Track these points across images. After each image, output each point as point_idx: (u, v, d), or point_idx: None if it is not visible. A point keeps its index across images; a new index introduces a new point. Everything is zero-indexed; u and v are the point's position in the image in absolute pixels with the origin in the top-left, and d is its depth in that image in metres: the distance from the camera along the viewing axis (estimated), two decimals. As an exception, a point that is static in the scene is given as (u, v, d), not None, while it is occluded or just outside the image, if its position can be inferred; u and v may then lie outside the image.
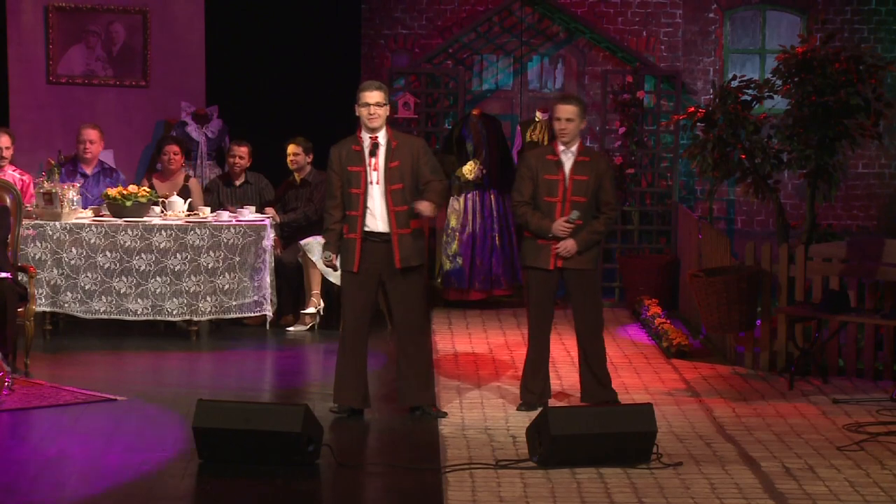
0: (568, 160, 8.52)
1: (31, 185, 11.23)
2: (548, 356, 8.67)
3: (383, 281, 8.41)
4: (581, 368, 8.68)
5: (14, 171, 11.41)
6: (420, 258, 8.45)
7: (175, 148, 11.91)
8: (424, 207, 8.23)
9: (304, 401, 8.40)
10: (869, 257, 9.59)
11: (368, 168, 8.27)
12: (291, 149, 11.75)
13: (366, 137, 8.32)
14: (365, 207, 8.27)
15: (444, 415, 8.41)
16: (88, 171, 11.72)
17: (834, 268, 9.77)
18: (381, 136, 8.32)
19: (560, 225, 8.41)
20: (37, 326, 10.01)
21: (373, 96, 8.26)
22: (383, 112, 8.29)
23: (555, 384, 9.00)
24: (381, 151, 8.30)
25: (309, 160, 11.79)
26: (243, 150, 11.86)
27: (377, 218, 8.29)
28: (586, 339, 8.61)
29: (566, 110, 8.52)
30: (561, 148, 8.55)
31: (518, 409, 8.53)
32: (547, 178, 8.51)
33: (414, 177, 8.32)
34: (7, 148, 11.30)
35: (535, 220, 8.49)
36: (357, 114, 8.35)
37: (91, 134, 11.69)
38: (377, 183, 8.27)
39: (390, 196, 8.26)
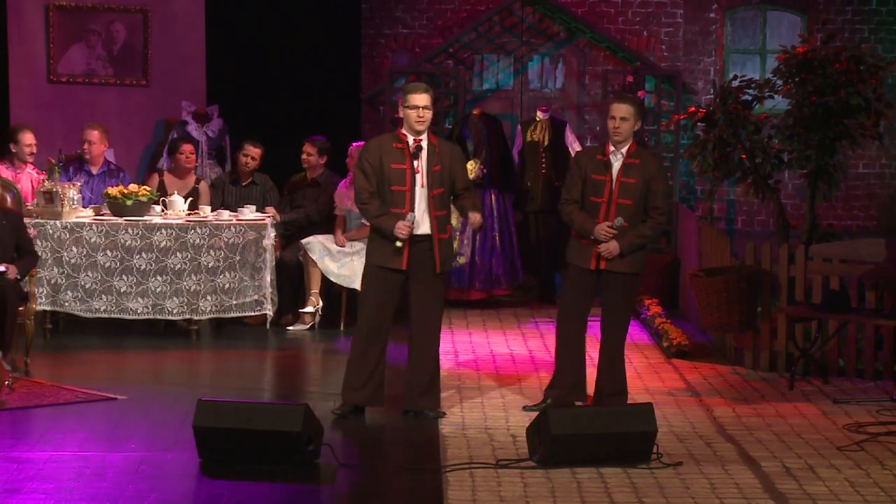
0: (617, 161, 8.36)
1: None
2: (580, 357, 8.53)
3: (408, 283, 8.37)
4: (599, 370, 8.57)
5: (33, 170, 11.45)
6: (451, 262, 8.49)
7: (191, 147, 11.94)
8: (476, 220, 8.27)
9: (305, 400, 8.40)
10: (869, 258, 9.58)
11: (413, 169, 8.25)
12: (307, 147, 11.77)
13: (410, 138, 8.29)
14: (413, 206, 8.21)
15: (443, 414, 8.40)
16: (94, 170, 11.73)
17: (834, 268, 9.77)
18: (424, 139, 8.30)
19: (602, 229, 8.27)
20: (37, 325, 10.01)
21: (422, 99, 8.21)
22: (429, 115, 8.25)
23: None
24: (424, 154, 8.27)
25: (322, 162, 11.80)
26: (256, 152, 11.85)
27: (419, 221, 8.23)
28: (611, 344, 8.50)
29: (622, 109, 8.33)
30: (611, 148, 8.38)
31: (524, 409, 8.49)
32: (595, 177, 8.36)
33: (451, 182, 8.32)
34: (30, 145, 11.34)
35: (580, 219, 8.36)
36: (401, 115, 8.31)
37: (90, 135, 11.70)
38: (421, 186, 8.24)
39: (433, 200, 8.23)
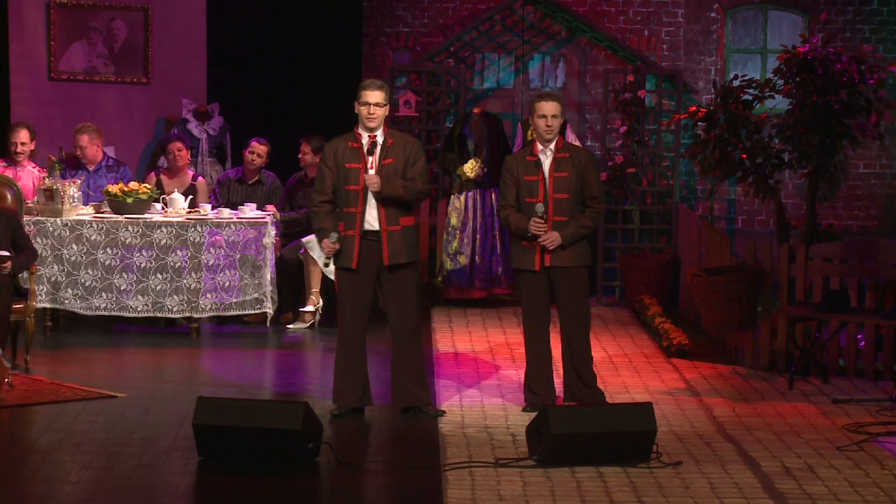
0: (547, 159, 8.41)
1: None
2: (549, 357, 8.61)
3: (379, 280, 8.40)
4: (565, 368, 8.58)
5: (34, 167, 11.47)
6: (411, 255, 8.40)
7: (179, 144, 11.94)
8: (370, 178, 8.17)
9: (304, 398, 8.40)
10: (867, 258, 9.59)
11: (367, 166, 8.27)
12: (303, 146, 11.80)
13: (364, 135, 8.31)
14: (365, 204, 8.26)
15: (442, 413, 8.41)
16: (91, 167, 11.70)
17: (834, 268, 9.77)
18: (379, 135, 8.32)
19: (533, 224, 8.32)
20: (37, 323, 10.01)
21: (373, 96, 8.25)
22: (382, 112, 8.28)
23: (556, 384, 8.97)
24: (378, 150, 8.29)
25: (318, 160, 11.79)
26: (262, 150, 11.91)
27: (372, 216, 8.28)
28: (572, 338, 8.52)
29: (551, 107, 8.38)
30: (540, 147, 8.44)
31: (524, 410, 8.49)
32: (527, 179, 8.41)
33: (404, 175, 8.32)
34: (15, 143, 11.38)
35: (515, 221, 8.40)
36: (356, 111, 8.34)
37: (80, 139, 11.78)
38: None
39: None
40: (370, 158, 8.27)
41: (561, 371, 8.65)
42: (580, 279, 8.51)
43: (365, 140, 8.30)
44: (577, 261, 8.44)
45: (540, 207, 8.30)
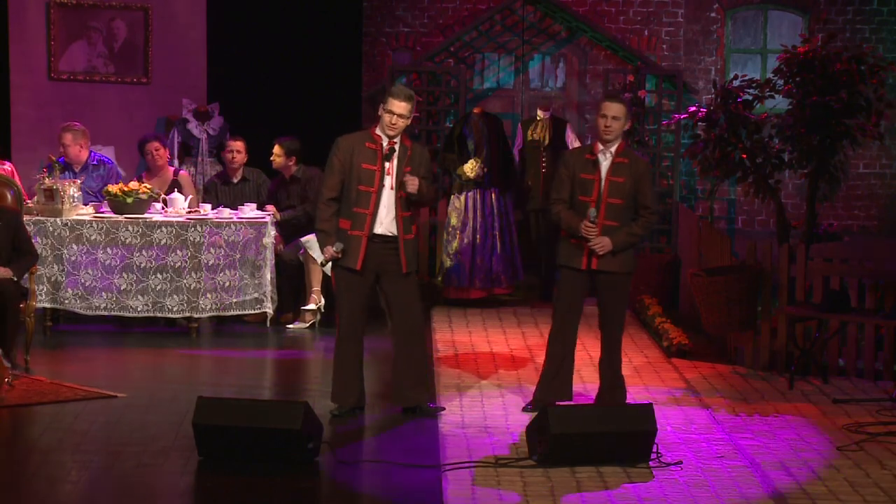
0: (606, 160, 8.36)
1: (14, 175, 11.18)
2: (571, 357, 8.56)
3: (380, 282, 8.39)
4: (602, 370, 8.57)
5: None
6: (417, 263, 8.48)
7: (156, 144, 11.89)
8: (411, 181, 8.19)
9: (304, 398, 8.40)
10: (867, 258, 9.59)
11: (383, 171, 8.26)
12: (274, 149, 11.74)
13: (384, 139, 8.30)
14: (377, 207, 8.25)
15: (442, 409, 8.42)
16: (77, 168, 11.63)
17: (834, 268, 9.77)
18: (398, 141, 8.30)
19: (585, 226, 8.29)
20: (37, 323, 10.01)
21: (399, 107, 8.20)
22: (404, 124, 8.25)
23: (576, 385, 8.91)
24: (396, 156, 8.28)
25: (291, 162, 11.73)
26: (239, 145, 11.83)
27: (383, 221, 8.28)
28: (611, 343, 8.50)
29: (614, 108, 8.33)
30: (600, 147, 8.39)
31: (524, 410, 8.48)
32: (583, 176, 8.36)
33: None
34: None
35: (567, 217, 8.36)
36: (379, 114, 8.32)
37: (64, 138, 11.54)
38: (390, 188, 8.25)
39: (399, 201, 8.26)
40: (387, 164, 8.25)
41: (581, 373, 8.61)
42: (625, 285, 8.47)
43: (384, 144, 8.29)
44: (625, 267, 8.39)
45: (593, 212, 8.27)
